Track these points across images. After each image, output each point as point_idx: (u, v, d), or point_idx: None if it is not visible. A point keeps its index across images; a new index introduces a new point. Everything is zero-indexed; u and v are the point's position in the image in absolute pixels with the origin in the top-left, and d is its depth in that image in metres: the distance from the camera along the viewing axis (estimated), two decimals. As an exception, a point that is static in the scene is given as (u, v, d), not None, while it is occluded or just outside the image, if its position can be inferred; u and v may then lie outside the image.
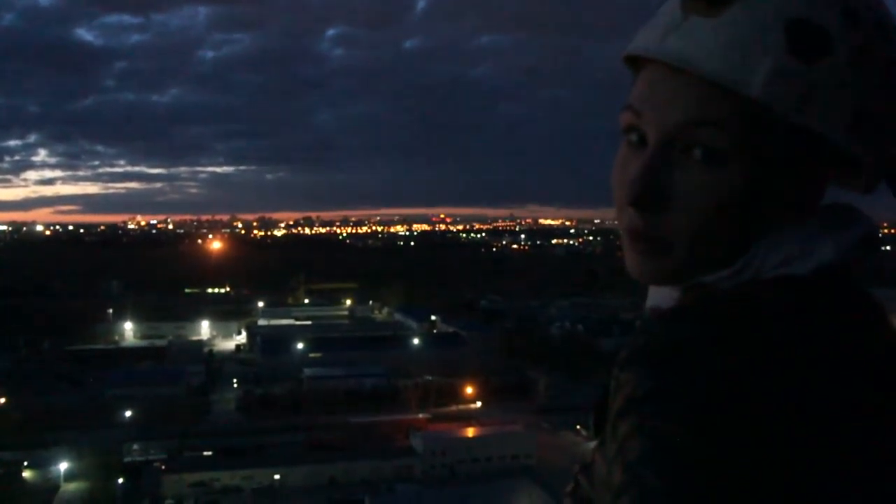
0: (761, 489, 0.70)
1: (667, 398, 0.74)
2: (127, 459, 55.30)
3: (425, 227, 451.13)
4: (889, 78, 0.82)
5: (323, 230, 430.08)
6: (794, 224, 0.85)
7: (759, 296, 0.82)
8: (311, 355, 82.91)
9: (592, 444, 0.93)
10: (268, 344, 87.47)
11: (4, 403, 64.28)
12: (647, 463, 0.72)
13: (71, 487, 52.44)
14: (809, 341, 0.78)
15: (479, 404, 70.00)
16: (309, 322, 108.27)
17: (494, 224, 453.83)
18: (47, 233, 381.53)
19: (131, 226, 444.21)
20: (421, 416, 65.91)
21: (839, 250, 0.84)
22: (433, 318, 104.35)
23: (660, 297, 0.93)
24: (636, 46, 0.89)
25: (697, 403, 0.73)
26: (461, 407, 70.15)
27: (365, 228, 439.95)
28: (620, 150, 0.90)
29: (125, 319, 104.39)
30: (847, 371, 0.78)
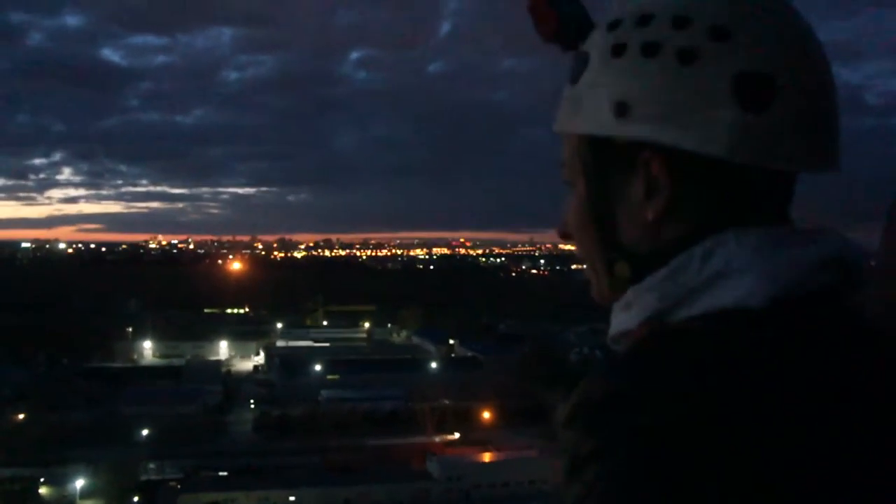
0: None
1: (609, 459, 0.74)
2: (143, 478, 55.15)
3: (445, 250, 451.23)
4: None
5: (343, 252, 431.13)
6: (716, 237, 0.87)
7: (700, 335, 0.83)
8: (329, 377, 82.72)
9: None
10: (286, 365, 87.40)
11: (22, 419, 64.39)
12: None
13: (87, 505, 52.36)
14: (752, 390, 0.77)
15: (494, 430, 69.39)
16: (327, 344, 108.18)
17: (514, 249, 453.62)
18: (70, 251, 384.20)
19: (153, 245, 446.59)
20: (438, 439, 65.55)
21: (772, 272, 0.84)
22: (451, 341, 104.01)
23: (616, 322, 0.95)
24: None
25: (641, 463, 0.73)
26: (478, 431, 69.62)
27: (384, 251, 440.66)
28: None
29: (144, 338, 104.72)
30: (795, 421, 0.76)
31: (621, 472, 0.74)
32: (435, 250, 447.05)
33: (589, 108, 0.91)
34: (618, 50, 0.89)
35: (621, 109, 0.88)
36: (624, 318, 0.92)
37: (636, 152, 0.88)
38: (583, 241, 0.97)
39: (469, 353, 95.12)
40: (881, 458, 0.79)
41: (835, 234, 0.89)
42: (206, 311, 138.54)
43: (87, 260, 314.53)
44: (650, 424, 0.74)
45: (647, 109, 0.86)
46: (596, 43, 0.92)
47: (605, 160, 0.92)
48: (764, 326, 0.81)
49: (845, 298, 0.87)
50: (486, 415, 71.02)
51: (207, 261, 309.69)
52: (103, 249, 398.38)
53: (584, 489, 0.75)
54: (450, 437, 67.68)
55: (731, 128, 0.83)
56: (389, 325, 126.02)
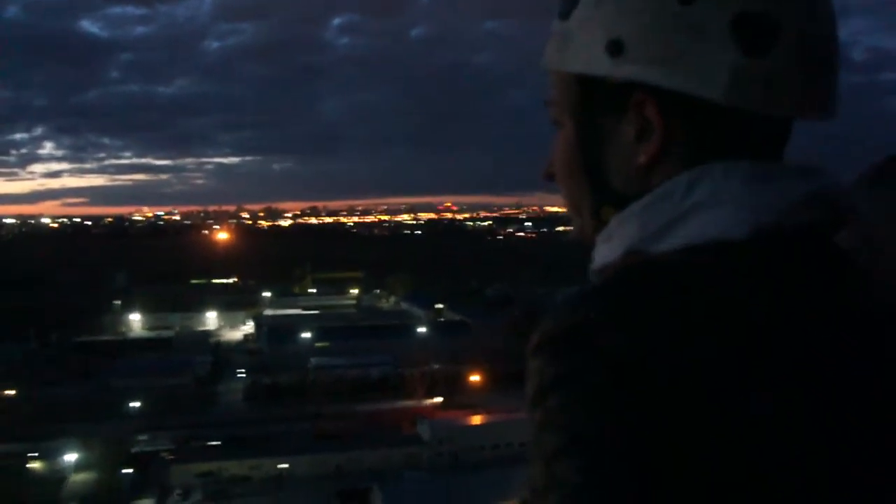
0: (684, 474, 0.70)
1: (573, 384, 0.73)
2: (135, 450, 55.41)
3: (431, 215, 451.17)
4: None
5: (329, 219, 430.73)
6: (698, 170, 0.84)
7: (682, 266, 0.80)
8: (318, 344, 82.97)
9: None
10: (274, 334, 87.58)
11: (13, 395, 64.51)
12: (564, 458, 0.71)
13: (79, 478, 52.59)
14: (737, 326, 0.75)
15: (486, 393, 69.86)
16: (315, 311, 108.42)
17: (501, 212, 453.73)
18: (54, 225, 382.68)
19: (138, 217, 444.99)
20: (427, 403, 65.98)
21: (741, 200, 0.81)
22: (439, 306, 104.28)
23: (598, 256, 0.93)
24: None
25: (602, 389, 0.72)
26: (467, 395, 70.09)
27: (371, 217, 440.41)
28: None
29: (132, 311, 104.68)
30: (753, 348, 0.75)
31: (585, 398, 0.72)
32: (421, 215, 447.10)
33: (580, 46, 0.88)
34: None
35: (616, 48, 0.85)
36: (606, 251, 0.89)
37: (628, 93, 0.86)
38: (568, 183, 0.95)
39: (457, 318, 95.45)
40: (878, 408, 0.78)
41: (824, 171, 0.87)
42: (193, 282, 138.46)
43: (73, 234, 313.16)
44: (622, 350, 0.73)
45: (643, 49, 0.83)
46: None
47: (595, 100, 0.89)
48: (749, 259, 0.80)
49: (832, 235, 0.87)
50: (476, 378, 71.43)
51: (194, 231, 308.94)
52: (88, 223, 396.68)
53: (545, 416, 0.74)
54: (435, 400, 68.07)
55: (730, 71, 0.81)
56: (377, 291, 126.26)
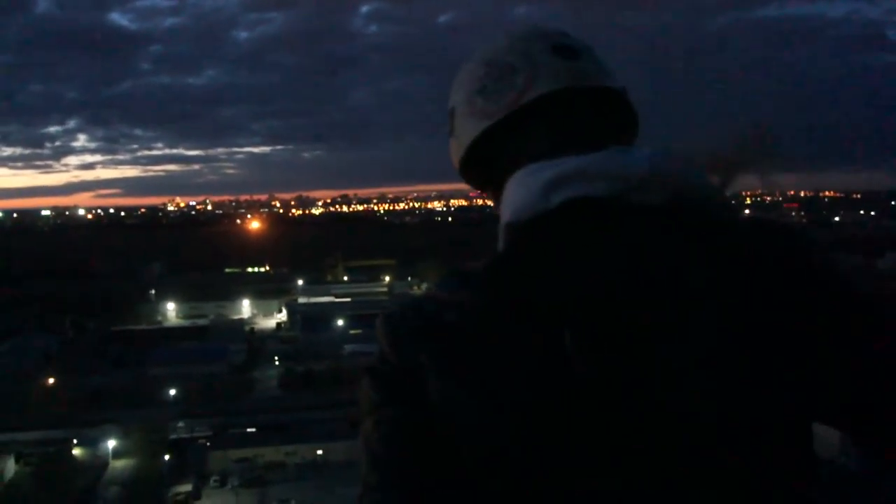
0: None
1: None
2: (172, 437, 56.11)
3: (462, 202, 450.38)
4: None
5: (360, 207, 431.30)
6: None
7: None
8: (352, 332, 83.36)
9: None
10: (308, 321, 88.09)
11: (53, 384, 65.49)
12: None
13: (119, 464, 53.40)
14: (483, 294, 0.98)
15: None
16: (348, 299, 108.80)
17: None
18: (89, 217, 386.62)
19: (171, 208, 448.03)
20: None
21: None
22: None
23: None
24: None
25: (384, 343, 1.09)
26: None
27: (402, 205, 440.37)
28: None
29: (167, 300, 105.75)
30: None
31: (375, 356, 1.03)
32: (452, 202, 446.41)
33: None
34: None
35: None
36: None
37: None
38: None
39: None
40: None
41: (633, 149, 1.01)
42: (227, 270, 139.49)
43: (107, 225, 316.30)
44: (398, 313, 1.01)
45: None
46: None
47: None
48: (520, 231, 1.00)
49: (628, 203, 0.94)
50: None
51: (226, 221, 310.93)
52: (122, 214, 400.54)
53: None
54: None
55: (458, 150, 1.28)
56: (409, 278, 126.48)
